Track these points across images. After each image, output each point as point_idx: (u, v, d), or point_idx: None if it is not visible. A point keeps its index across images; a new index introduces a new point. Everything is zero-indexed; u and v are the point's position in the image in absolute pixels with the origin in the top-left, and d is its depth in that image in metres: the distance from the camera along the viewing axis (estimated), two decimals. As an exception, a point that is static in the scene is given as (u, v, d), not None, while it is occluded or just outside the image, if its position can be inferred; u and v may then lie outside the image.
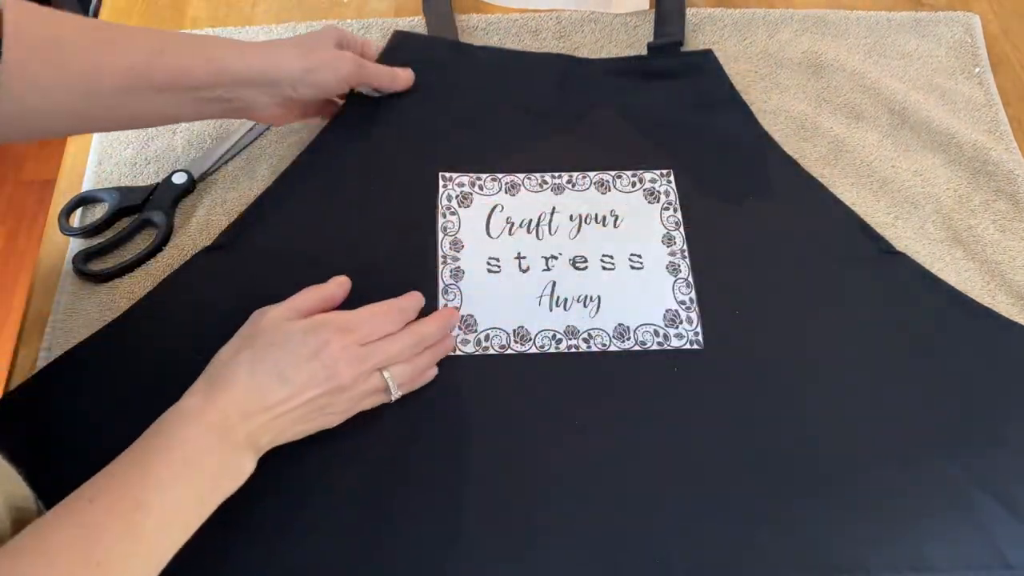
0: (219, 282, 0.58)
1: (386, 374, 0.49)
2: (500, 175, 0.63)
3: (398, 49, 0.68)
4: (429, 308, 0.56)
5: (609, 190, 0.63)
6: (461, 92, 0.67)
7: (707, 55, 0.69)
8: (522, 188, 0.63)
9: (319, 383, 0.46)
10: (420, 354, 0.52)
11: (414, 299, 0.54)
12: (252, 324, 0.49)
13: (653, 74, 0.69)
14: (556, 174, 0.63)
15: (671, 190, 0.63)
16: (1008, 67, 0.73)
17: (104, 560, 0.38)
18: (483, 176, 0.63)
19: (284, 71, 0.56)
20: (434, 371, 0.53)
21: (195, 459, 0.42)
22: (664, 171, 0.63)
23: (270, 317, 0.48)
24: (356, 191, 0.62)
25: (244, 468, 0.45)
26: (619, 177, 0.63)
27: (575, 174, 0.63)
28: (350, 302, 0.54)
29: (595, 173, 0.63)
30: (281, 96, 0.58)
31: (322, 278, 0.54)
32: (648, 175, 0.63)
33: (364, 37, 0.72)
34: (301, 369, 0.46)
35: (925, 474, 0.52)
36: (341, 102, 0.66)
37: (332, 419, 0.49)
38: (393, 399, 0.51)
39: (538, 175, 0.63)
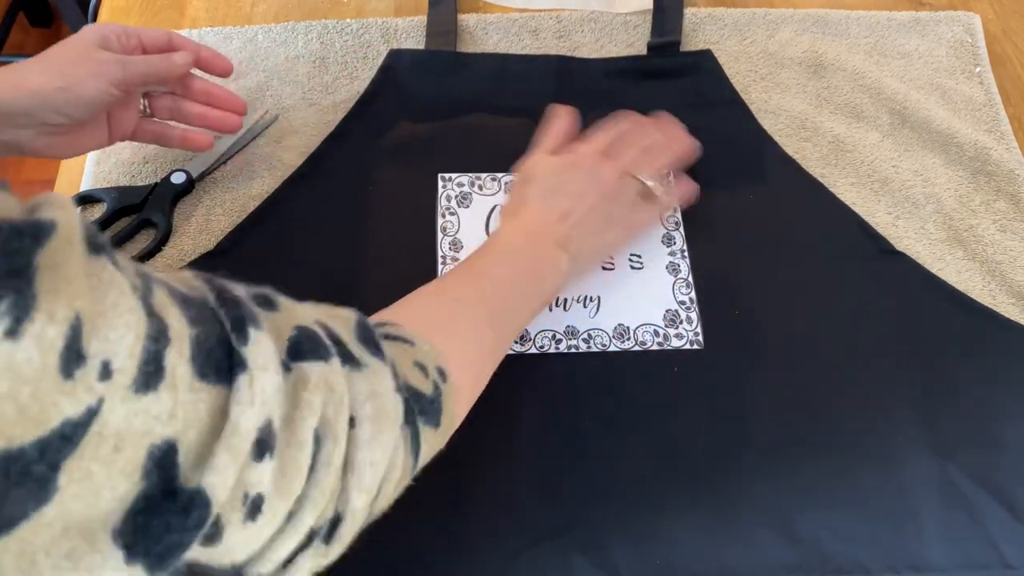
0: None
1: (639, 175, 0.56)
2: (500, 175, 0.63)
3: (394, 67, 0.68)
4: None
5: None
6: (459, 100, 0.67)
7: (706, 55, 0.69)
8: None
9: (591, 188, 0.54)
10: (658, 156, 0.58)
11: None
12: (523, 173, 0.56)
13: (652, 74, 0.69)
14: None
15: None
16: (1008, 67, 0.73)
17: (461, 297, 0.47)
18: (482, 176, 0.63)
19: (34, 95, 0.48)
20: (692, 186, 0.60)
21: (512, 250, 0.51)
22: None
23: (533, 160, 0.56)
24: (356, 197, 0.62)
25: (558, 262, 0.51)
26: None
27: None
28: (350, 303, 0.54)
29: None
30: (43, 124, 0.49)
31: (323, 283, 0.53)
32: None
33: (362, 37, 0.72)
34: (575, 182, 0.54)
35: (925, 474, 0.52)
36: (145, 112, 0.60)
37: (618, 234, 0.56)
38: (657, 193, 0.56)
39: None
